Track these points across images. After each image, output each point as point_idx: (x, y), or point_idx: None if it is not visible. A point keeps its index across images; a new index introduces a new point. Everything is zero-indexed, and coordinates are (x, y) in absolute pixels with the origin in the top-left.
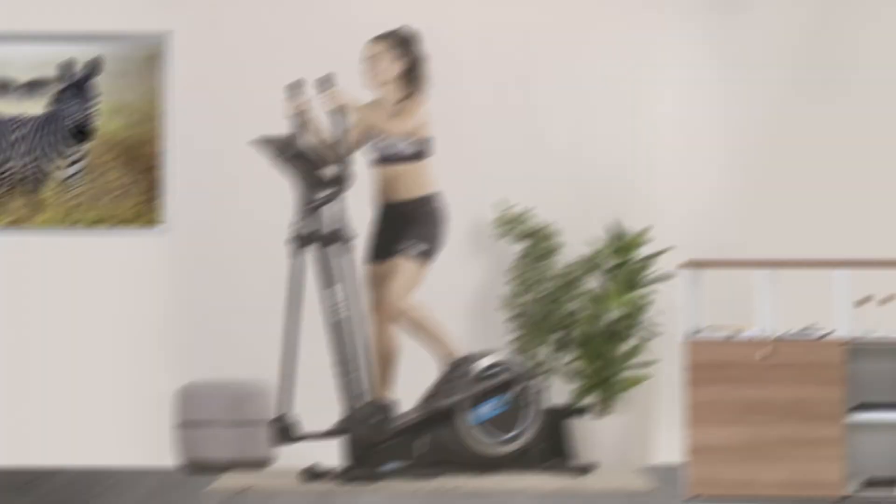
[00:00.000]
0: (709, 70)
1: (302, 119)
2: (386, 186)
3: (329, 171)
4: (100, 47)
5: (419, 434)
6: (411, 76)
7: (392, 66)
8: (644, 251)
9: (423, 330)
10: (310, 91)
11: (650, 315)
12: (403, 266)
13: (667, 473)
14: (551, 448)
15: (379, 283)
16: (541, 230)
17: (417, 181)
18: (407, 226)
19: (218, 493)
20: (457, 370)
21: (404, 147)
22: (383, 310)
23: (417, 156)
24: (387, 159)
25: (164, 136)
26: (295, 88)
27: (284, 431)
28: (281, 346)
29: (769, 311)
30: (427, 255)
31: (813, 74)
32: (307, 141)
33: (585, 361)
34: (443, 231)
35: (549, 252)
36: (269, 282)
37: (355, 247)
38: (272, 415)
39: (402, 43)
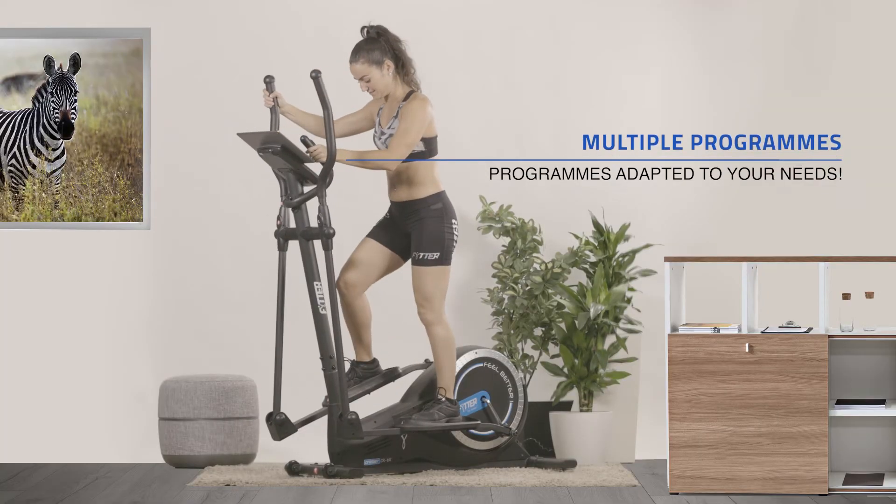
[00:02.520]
0: (693, 64)
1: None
2: (394, 182)
3: (313, 166)
4: (81, 43)
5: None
6: (400, 63)
7: (386, 73)
8: (627, 247)
9: (440, 350)
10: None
11: (633, 310)
12: (421, 276)
13: (650, 469)
14: (535, 443)
15: (370, 262)
16: (523, 225)
17: (424, 179)
18: (416, 229)
19: (201, 487)
20: (442, 406)
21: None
22: (354, 287)
23: (423, 154)
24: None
25: (146, 132)
26: (269, 82)
27: (282, 425)
28: (274, 342)
29: (751, 306)
30: (440, 261)
31: (797, 67)
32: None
33: (569, 356)
34: (451, 230)
35: (532, 247)
36: (251, 277)
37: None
38: (257, 410)
39: (377, 45)
